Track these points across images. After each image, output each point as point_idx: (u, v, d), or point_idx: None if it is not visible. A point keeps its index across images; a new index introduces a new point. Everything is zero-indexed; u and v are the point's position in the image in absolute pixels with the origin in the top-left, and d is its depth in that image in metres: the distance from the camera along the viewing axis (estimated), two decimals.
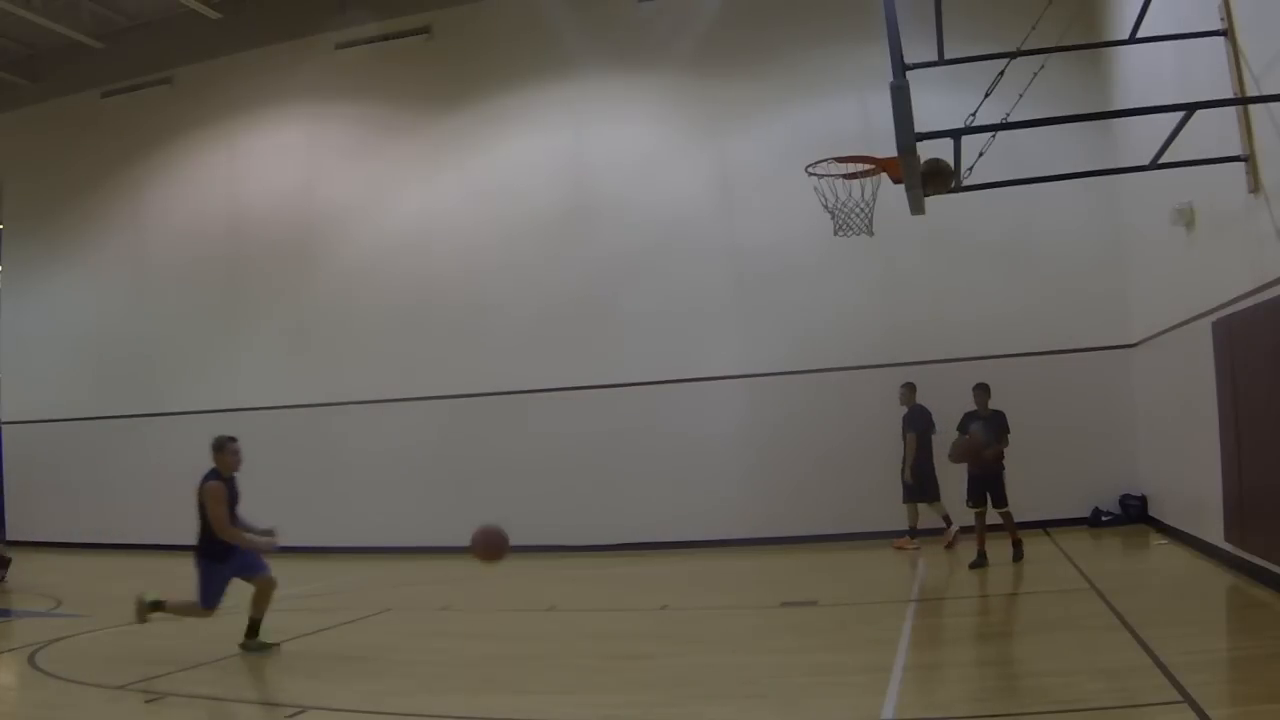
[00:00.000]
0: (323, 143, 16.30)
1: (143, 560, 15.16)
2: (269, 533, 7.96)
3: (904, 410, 12.23)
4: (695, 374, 13.91)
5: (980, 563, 10.21)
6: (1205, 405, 8.98)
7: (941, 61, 8.25)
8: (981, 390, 10.81)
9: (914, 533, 12.09)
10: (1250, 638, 6.68)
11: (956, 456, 10.39)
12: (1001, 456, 10.49)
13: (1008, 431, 10.61)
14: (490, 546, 7.15)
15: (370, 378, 15.30)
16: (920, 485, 12.03)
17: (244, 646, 7.74)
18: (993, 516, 10.49)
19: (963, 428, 10.67)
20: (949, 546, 11.67)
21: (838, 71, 13.74)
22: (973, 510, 10.46)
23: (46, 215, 17.80)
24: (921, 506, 12.15)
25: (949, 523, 11.83)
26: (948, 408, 12.71)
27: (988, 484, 10.37)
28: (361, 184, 15.95)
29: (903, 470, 12.05)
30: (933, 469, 11.97)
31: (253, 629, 7.84)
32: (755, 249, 13.95)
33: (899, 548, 12.03)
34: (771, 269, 13.80)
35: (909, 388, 12.31)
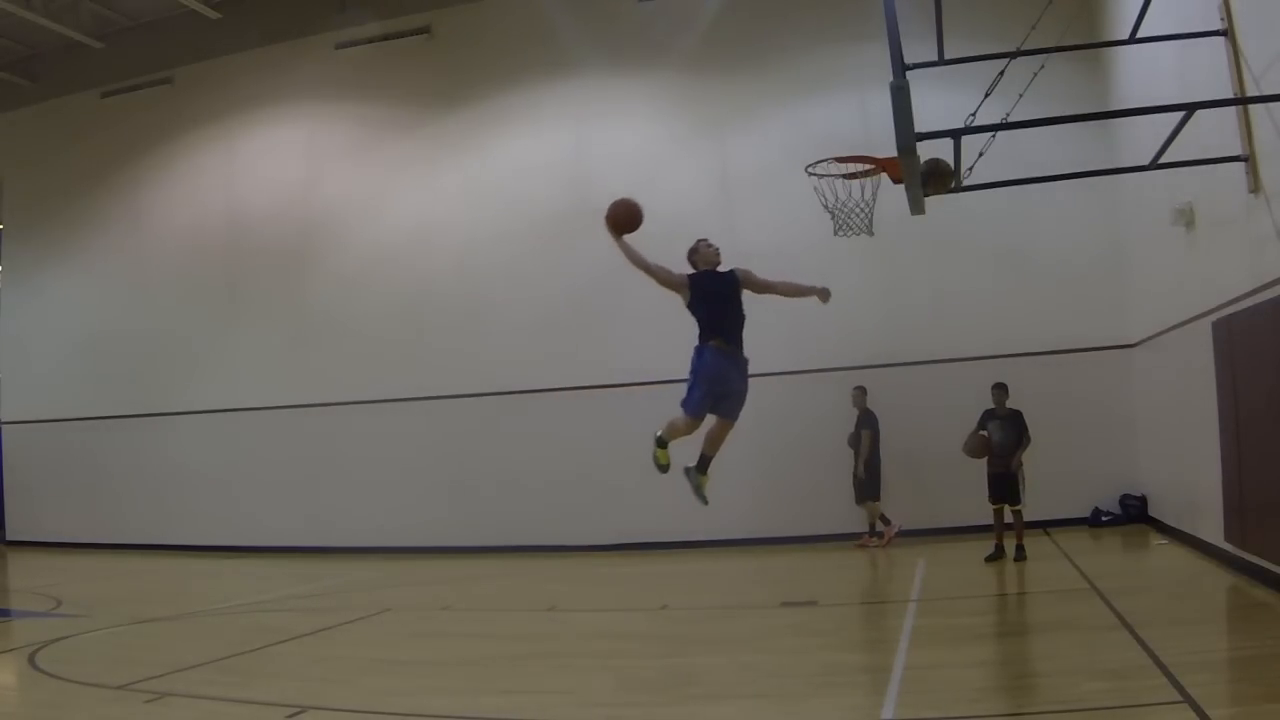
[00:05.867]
0: (323, 143, 16.29)
1: (143, 560, 15.18)
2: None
3: None
4: None
5: (996, 555, 10.46)
6: (1205, 405, 8.97)
7: (941, 61, 8.23)
8: (1000, 390, 10.88)
9: None
10: (1250, 638, 6.67)
11: (967, 451, 10.63)
12: (1017, 456, 10.60)
13: (1026, 430, 10.66)
14: (621, 214, 7.18)
15: (370, 378, 15.29)
16: None
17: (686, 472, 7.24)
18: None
19: (982, 426, 10.77)
20: None
21: (838, 71, 13.72)
22: (993, 507, 10.62)
23: (46, 215, 17.79)
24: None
25: None
26: (947, 407, 12.74)
27: (1005, 482, 10.50)
28: (361, 184, 15.95)
29: None
30: None
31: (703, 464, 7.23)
32: (755, 249, 13.75)
33: None
34: (771, 269, 13.68)
35: None
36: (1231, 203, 8.05)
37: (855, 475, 12.61)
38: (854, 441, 12.70)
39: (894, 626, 7.43)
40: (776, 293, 7.37)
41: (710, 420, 7.17)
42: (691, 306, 7.24)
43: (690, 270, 7.41)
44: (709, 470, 7.21)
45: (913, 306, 13.31)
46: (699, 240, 7.59)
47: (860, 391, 12.78)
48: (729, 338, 7.07)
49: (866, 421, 12.65)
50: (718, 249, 7.52)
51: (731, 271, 7.34)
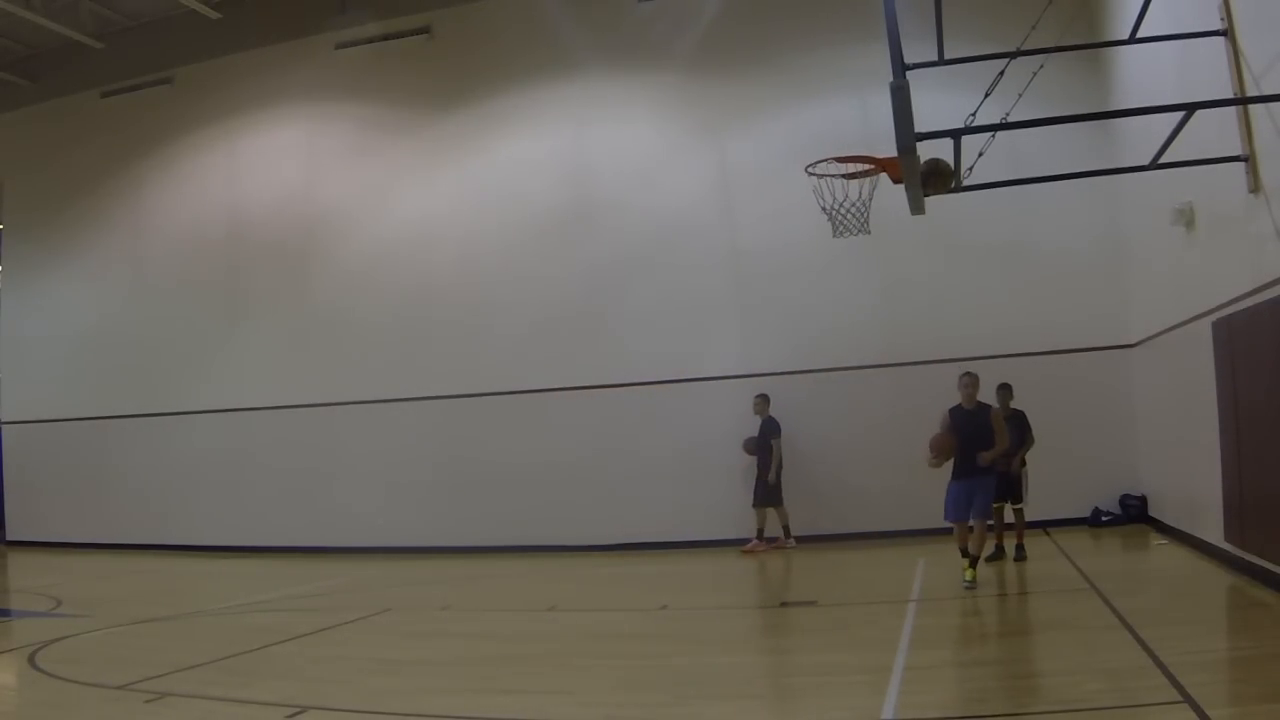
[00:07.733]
0: (323, 143, 16.30)
1: (143, 560, 15.18)
2: None
3: None
4: (695, 374, 13.91)
5: (997, 555, 10.47)
6: (1205, 405, 8.97)
7: (941, 61, 8.24)
8: (1004, 390, 10.87)
9: None
10: (1250, 638, 6.68)
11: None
12: (1018, 455, 10.59)
13: (1029, 431, 10.67)
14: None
15: (370, 378, 15.30)
16: None
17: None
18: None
19: None
20: None
21: (838, 71, 13.73)
22: (993, 505, 10.56)
23: (46, 215, 17.80)
24: None
25: None
26: (947, 407, 12.73)
27: (1006, 481, 10.48)
28: (361, 184, 15.96)
29: None
30: None
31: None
32: (755, 249, 13.95)
33: None
34: (771, 269, 13.80)
35: None
36: (1231, 203, 8.05)
37: (764, 481, 12.92)
38: (754, 448, 13.07)
39: (894, 626, 7.43)
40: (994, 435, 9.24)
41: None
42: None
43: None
44: (977, 565, 9.11)
45: (912, 306, 13.31)
46: (961, 374, 9.54)
47: (763, 400, 13.10)
48: (968, 470, 9.12)
49: (773, 429, 12.97)
50: (966, 385, 9.50)
51: (986, 412, 9.36)
